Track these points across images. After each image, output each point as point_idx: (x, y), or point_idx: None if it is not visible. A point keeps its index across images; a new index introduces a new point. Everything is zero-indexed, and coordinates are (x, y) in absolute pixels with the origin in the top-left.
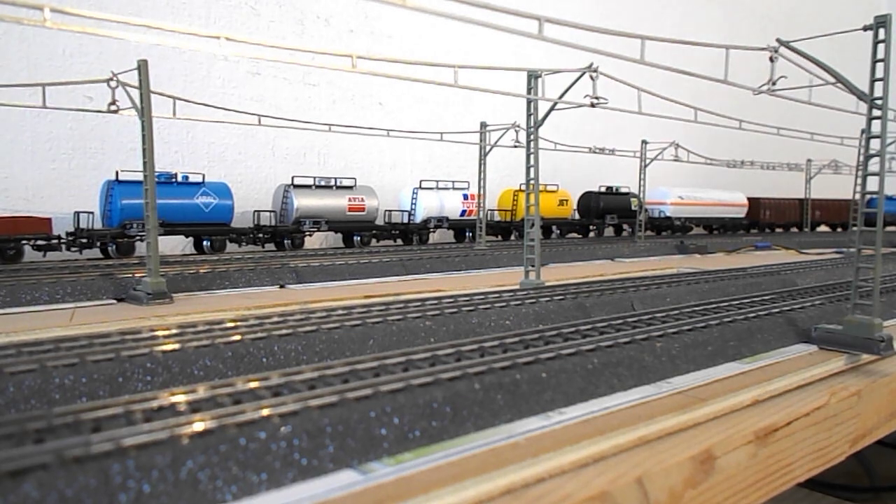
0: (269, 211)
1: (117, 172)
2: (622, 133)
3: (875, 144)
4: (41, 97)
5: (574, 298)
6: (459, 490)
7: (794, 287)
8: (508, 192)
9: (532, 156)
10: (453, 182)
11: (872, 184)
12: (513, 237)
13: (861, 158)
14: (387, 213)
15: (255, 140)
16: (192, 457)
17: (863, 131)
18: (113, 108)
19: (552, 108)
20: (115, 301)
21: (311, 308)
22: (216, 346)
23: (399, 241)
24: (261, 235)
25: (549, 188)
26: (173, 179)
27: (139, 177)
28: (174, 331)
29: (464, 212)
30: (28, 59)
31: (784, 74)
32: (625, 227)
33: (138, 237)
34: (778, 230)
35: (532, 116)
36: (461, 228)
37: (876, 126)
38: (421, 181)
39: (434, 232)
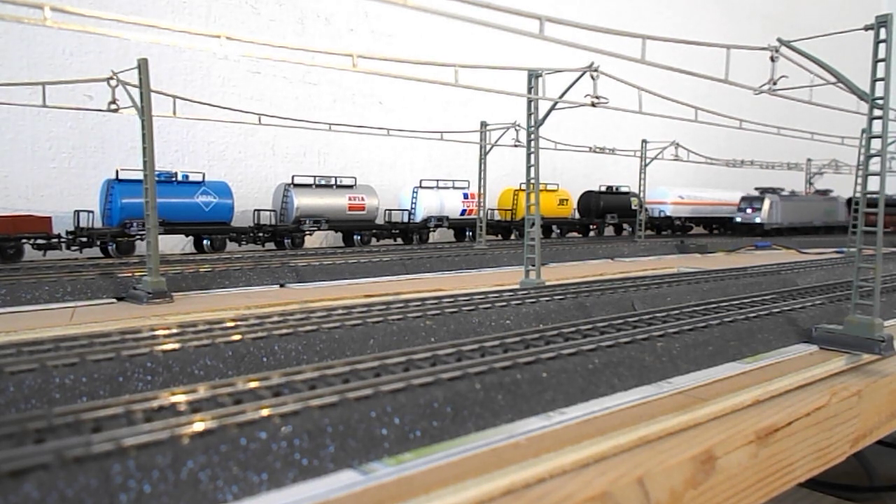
0: (270, 210)
1: (117, 171)
2: (622, 132)
3: (876, 144)
4: (41, 96)
5: (574, 298)
6: (460, 490)
7: (795, 287)
8: (509, 191)
9: (532, 155)
10: (453, 181)
11: (873, 183)
12: (513, 236)
13: (862, 158)
14: (387, 212)
15: (255, 139)
16: (192, 457)
17: (863, 131)
18: (113, 107)
19: (553, 108)
20: (115, 300)
21: (312, 307)
22: (216, 345)
23: (399, 241)
24: (261, 234)
25: (549, 187)
26: (173, 178)
27: (139, 176)
28: (174, 330)
29: (464, 211)
30: (28, 58)
31: (785, 74)
32: (625, 226)
33: (138, 236)
34: None
35: (532, 116)
36: (461, 228)
37: (877, 126)
38: (421, 180)
39: (434, 231)
